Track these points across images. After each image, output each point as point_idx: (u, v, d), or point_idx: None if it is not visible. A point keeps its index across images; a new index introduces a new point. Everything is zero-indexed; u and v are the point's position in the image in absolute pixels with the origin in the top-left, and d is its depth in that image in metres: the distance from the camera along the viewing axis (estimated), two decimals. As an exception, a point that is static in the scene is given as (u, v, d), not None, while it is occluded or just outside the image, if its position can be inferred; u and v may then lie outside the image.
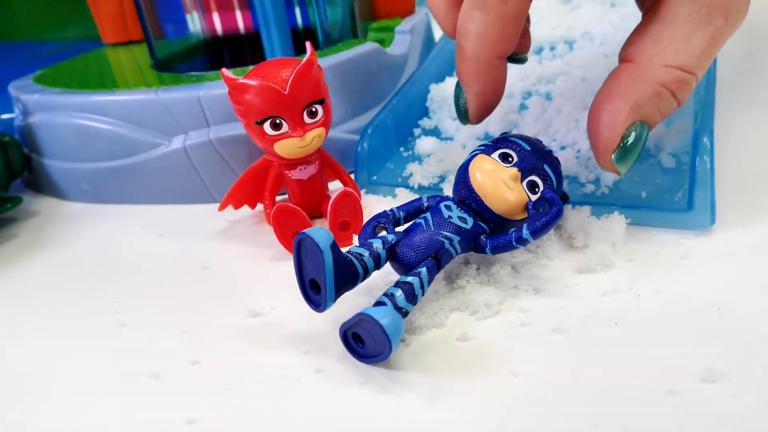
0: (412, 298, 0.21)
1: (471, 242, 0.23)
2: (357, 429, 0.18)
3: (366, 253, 0.22)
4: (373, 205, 0.31)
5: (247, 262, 0.28)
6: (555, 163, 0.25)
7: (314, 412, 0.19)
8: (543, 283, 0.24)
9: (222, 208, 0.31)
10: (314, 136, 0.28)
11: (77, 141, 0.37)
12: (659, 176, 0.28)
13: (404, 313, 0.21)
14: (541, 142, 0.25)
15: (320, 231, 0.21)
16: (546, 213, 0.22)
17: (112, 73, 0.43)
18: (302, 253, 0.21)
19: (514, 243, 0.23)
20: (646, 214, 0.26)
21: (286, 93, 0.27)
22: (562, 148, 0.31)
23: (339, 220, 0.28)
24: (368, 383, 0.20)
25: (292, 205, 0.28)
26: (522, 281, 0.24)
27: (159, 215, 0.35)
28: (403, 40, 0.42)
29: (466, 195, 0.24)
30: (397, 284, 0.22)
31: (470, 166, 0.24)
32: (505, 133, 0.27)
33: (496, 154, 0.24)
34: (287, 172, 0.30)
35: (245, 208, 0.32)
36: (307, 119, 0.28)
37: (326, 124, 0.28)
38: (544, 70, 0.38)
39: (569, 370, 0.19)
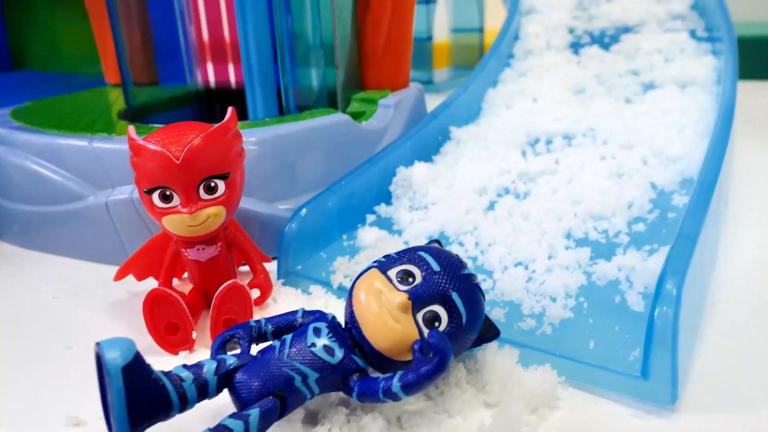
0: (228, 449, 0.16)
1: (338, 381, 0.18)
2: None
3: (189, 379, 0.17)
4: (284, 301, 0.27)
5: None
6: (471, 292, 0.19)
7: None
8: (425, 449, 0.18)
9: (118, 278, 0.27)
10: (209, 215, 0.24)
11: (11, 180, 0.34)
12: (619, 322, 0.22)
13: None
14: (459, 260, 0.20)
15: (118, 344, 0.16)
16: (428, 362, 0.17)
17: (82, 116, 0.41)
18: (101, 372, 0.17)
19: (380, 395, 0.17)
20: (589, 372, 0.20)
21: (178, 162, 0.23)
22: (516, 264, 0.26)
23: (224, 317, 0.24)
24: None
25: (168, 291, 0.23)
26: (399, 441, 0.18)
27: (73, 272, 0.31)
28: (385, 114, 0.38)
29: (348, 319, 0.19)
30: (216, 428, 0.17)
31: (357, 282, 0.19)
32: (435, 241, 0.22)
33: (394, 271, 0.19)
34: (183, 250, 0.25)
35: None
36: (203, 194, 0.24)
37: (229, 202, 0.24)
38: (529, 166, 0.33)
39: None
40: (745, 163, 0.41)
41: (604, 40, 0.50)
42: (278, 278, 0.28)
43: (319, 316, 0.20)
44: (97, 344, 0.16)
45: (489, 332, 0.21)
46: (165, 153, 0.23)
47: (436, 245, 0.22)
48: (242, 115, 0.40)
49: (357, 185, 0.31)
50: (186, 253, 0.25)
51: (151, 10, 0.47)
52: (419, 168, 0.33)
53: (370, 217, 0.32)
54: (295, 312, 0.20)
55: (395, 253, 0.20)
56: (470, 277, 0.20)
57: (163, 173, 0.23)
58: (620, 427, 0.19)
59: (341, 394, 0.19)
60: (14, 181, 0.34)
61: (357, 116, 0.38)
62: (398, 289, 0.19)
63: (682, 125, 0.35)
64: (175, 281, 0.27)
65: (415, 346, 0.18)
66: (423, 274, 0.19)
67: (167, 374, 0.17)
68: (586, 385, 0.20)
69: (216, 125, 0.24)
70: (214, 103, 0.48)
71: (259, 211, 0.31)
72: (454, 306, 0.19)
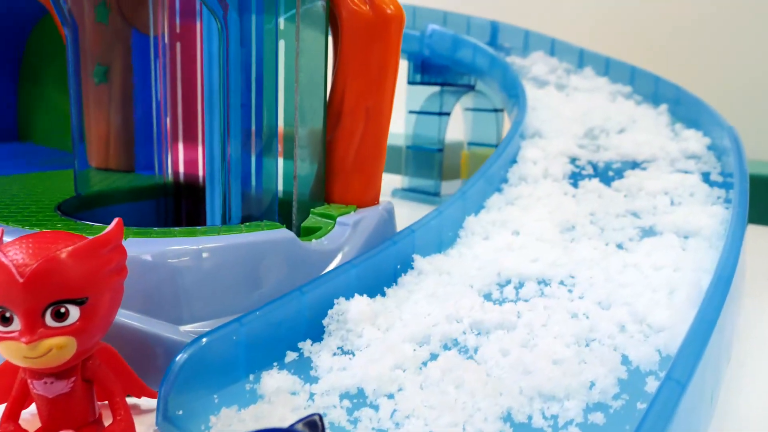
0: None
1: None
2: None
3: None
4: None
5: None
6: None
7: None
8: None
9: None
10: (51, 347, 0.19)
11: None
12: None
13: None
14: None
15: None
16: None
17: (24, 199, 0.38)
18: None
19: None
20: None
21: (21, 281, 0.19)
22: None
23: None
24: None
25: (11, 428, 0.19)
26: None
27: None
28: (340, 233, 0.34)
29: None
30: None
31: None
32: (317, 415, 0.17)
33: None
34: (30, 381, 0.21)
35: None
36: (49, 321, 0.19)
37: (83, 332, 0.20)
38: (485, 315, 0.28)
39: None
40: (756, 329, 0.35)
41: (608, 173, 0.46)
42: (156, 422, 0.23)
43: None
44: None
45: None
46: (8, 268, 0.19)
47: (315, 419, 0.17)
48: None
49: (280, 315, 0.27)
50: (32, 386, 0.21)
51: (135, 98, 0.46)
52: (358, 303, 0.29)
53: (291, 355, 0.27)
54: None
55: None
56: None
57: (4, 291, 0.19)
58: None
59: None
60: None
61: (311, 232, 0.34)
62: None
63: (674, 287, 0.30)
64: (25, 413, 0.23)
65: None
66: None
67: None
68: None
69: (90, 238, 0.20)
70: (181, 198, 0.45)
71: (164, 336, 0.27)
72: None
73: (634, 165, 0.47)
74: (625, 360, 0.25)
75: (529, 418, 0.22)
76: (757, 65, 0.86)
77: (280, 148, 0.35)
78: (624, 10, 1.10)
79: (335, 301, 0.29)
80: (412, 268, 0.34)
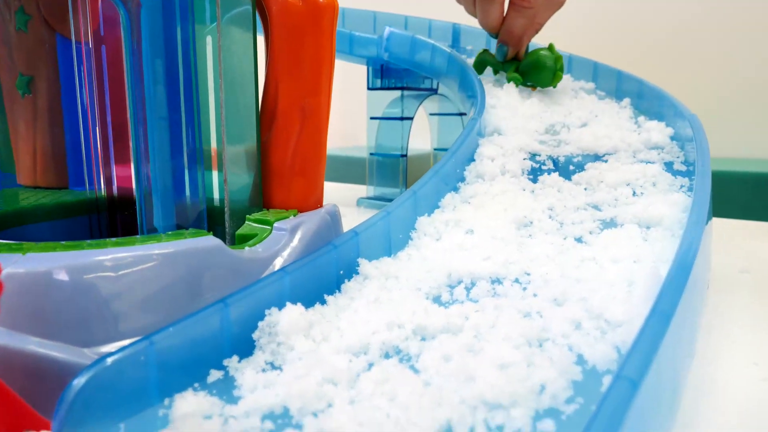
0: None
1: None
2: None
3: None
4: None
5: None
6: None
7: None
8: None
9: None
10: None
11: None
12: None
13: None
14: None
15: None
16: None
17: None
18: None
19: None
20: None
21: None
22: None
23: None
24: None
25: None
26: None
27: None
28: (277, 239, 0.31)
29: None
30: None
31: None
32: None
33: None
34: None
35: None
36: None
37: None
38: (429, 320, 0.26)
39: None
40: (725, 322, 0.33)
41: (569, 167, 0.44)
42: (51, 458, 0.20)
43: None
44: None
45: None
46: None
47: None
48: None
49: (201, 330, 0.24)
50: None
51: (63, 110, 0.43)
52: (291, 312, 0.26)
53: (215, 374, 0.24)
54: None
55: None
56: None
57: None
58: None
59: None
60: None
61: (246, 239, 0.32)
62: None
63: (633, 279, 0.27)
64: None
65: None
66: None
67: None
68: None
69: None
70: (116, 213, 0.42)
71: (66, 360, 0.24)
72: None
73: (596, 158, 0.45)
74: (580, 360, 0.23)
75: (471, 429, 0.19)
76: (719, 64, 0.85)
77: (213, 153, 0.33)
78: (587, 7, 1.09)
79: (266, 311, 0.27)
80: (357, 273, 0.32)
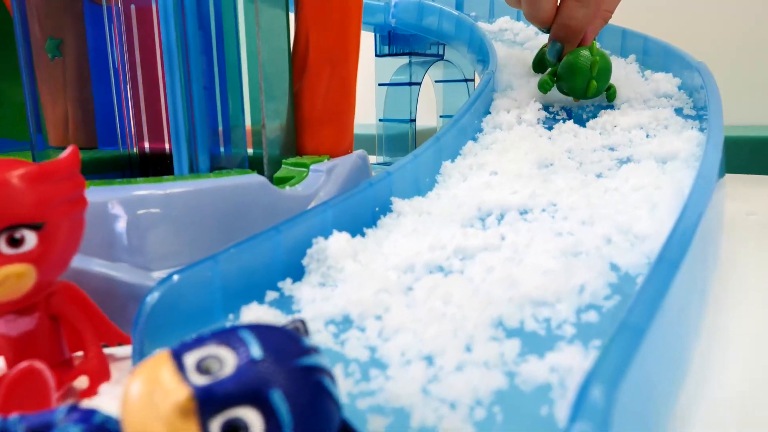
0: None
1: None
2: None
3: None
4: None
5: None
6: (308, 392, 0.13)
7: None
8: None
9: None
10: (7, 276, 0.18)
11: None
12: (538, 443, 0.16)
13: None
14: (301, 346, 0.14)
15: None
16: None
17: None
18: None
19: None
20: None
21: (-31, 204, 0.18)
22: (420, 358, 0.19)
23: (13, 411, 0.18)
24: None
25: (38, 367, 0.18)
26: None
27: None
28: (314, 179, 0.33)
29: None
30: None
31: (135, 369, 0.13)
32: (299, 321, 0.16)
33: (194, 356, 0.13)
34: (-10, 322, 0.20)
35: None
36: (4, 248, 0.18)
37: (43, 261, 0.19)
38: (468, 241, 0.27)
39: None
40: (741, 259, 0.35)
41: (582, 116, 0.46)
42: (133, 363, 0.22)
43: (82, 416, 0.14)
44: None
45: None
46: (-44, 192, 0.18)
47: (297, 325, 0.16)
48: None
49: (257, 254, 0.26)
50: (-7, 326, 0.20)
51: (92, 72, 0.44)
52: (338, 239, 0.28)
53: (271, 294, 0.26)
54: (54, 411, 0.14)
55: (211, 332, 0.14)
56: (311, 372, 0.14)
57: (-47, 217, 0.18)
58: None
59: None
60: None
61: (284, 181, 0.33)
62: (187, 383, 0.13)
63: (655, 202, 0.29)
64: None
65: (194, 473, 0.12)
66: (236, 360, 0.13)
67: None
68: None
69: (42, 162, 0.19)
70: (148, 169, 0.44)
71: (130, 282, 0.25)
72: (273, 412, 0.13)
73: (608, 107, 0.46)
74: (613, 267, 0.25)
75: (521, 322, 0.21)
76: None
77: (246, 104, 0.34)
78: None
79: (313, 240, 0.28)
80: (391, 210, 0.33)
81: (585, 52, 0.43)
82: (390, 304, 0.23)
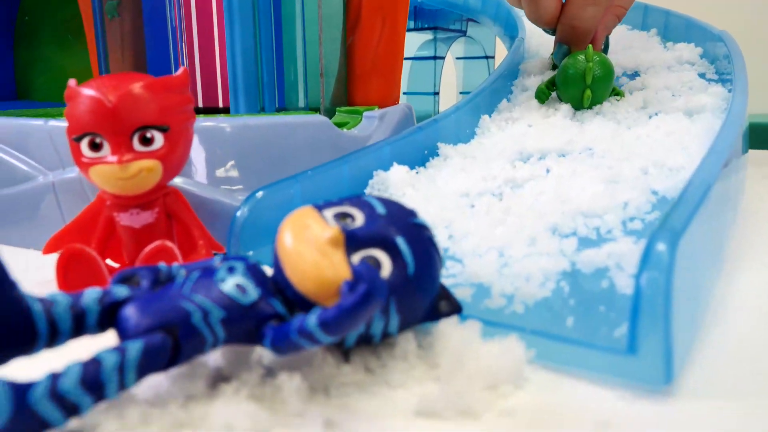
0: (92, 384, 0.13)
1: (251, 328, 0.15)
2: None
3: (64, 303, 0.14)
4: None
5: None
6: (421, 242, 0.16)
7: None
8: (349, 420, 0.14)
9: (47, 251, 0.24)
10: (141, 169, 0.21)
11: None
12: (605, 303, 0.18)
13: (70, 407, 0.13)
14: (411, 210, 0.17)
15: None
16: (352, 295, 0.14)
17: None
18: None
19: (294, 337, 0.14)
20: (566, 350, 0.16)
21: (110, 106, 0.20)
22: (491, 250, 0.22)
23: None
24: None
25: (87, 249, 0.20)
26: (316, 408, 0.15)
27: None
28: (369, 124, 0.36)
29: (274, 262, 0.16)
30: (86, 363, 0.13)
31: (285, 219, 0.16)
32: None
33: (331, 212, 0.16)
34: (115, 214, 0.23)
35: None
36: (137, 146, 0.21)
37: (167, 157, 0.22)
38: (516, 173, 0.30)
39: None
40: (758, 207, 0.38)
41: (609, 81, 0.48)
42: (227, 266, 0.25)
43: (237, 257, 0.16)
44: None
45: (447, 306, 0.17)
46: (97, 97, 0.21)
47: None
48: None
49: (326, 180, 0.29)
50: (118, 218, 0.23)
51: (145, 31, 0.47)
52: (397, 171, 0.31)
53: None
54: (212, 258, 0.17)
55: (338, 199, 0.17)
56: (422, 228, 0.17)
57: (94, 118, 0.21)
58: (601, 411, 0.15)
59: (258, 353, 0.16)
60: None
61: (340, 126, 0.36)
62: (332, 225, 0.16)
63: (686, 143, 0.32)
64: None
65: (345, 288, 0.14)
66: (364, 217, 0.16)
67: (41, 298, 0.14)
68: (561, 366, 0.16)
69: (160, 77, 0.22)
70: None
71: (219, 200, 0.28)
72: (399, 253, 0.16)
73: (634, 74, 0.49)
74: (653, 192, 0.27)
75: (575, 230, 0.24)
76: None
77: (299, 56, 0.37)
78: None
79: (374, 172, 0.31)
80: (438, 155, 0.36)
81: (580, 57, 0.37)
82: (454, 218, 0.26)
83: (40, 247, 0.29)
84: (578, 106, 0.39)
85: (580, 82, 0.37)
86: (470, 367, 0.16)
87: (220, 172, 0.29)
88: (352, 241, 0.15)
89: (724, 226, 0.27)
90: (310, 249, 0.15)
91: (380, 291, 0.14)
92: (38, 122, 0.30)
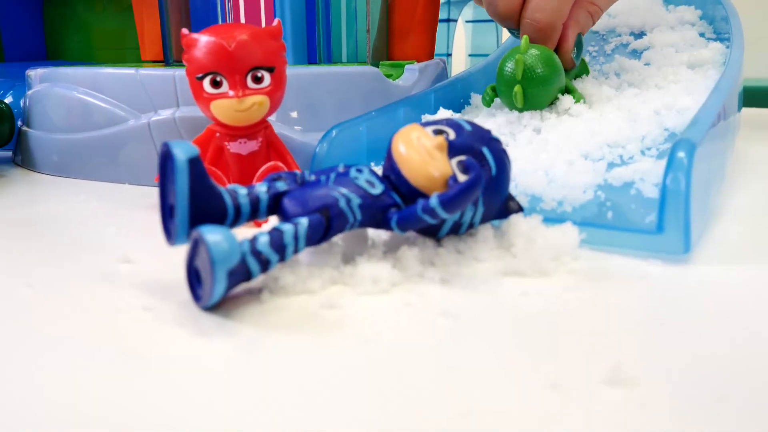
0: (278, 246, 0.18)
1: (378, 214, 0.20)
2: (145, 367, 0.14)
3: (243, 192, 0.19)
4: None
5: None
6: (499, 152, 0.21)
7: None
8: (456, 277, 0.19)
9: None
10: (254, 102, 0.26)
11: (54, 112, 0.36)
12: (635, 202, 0.23)
13: (264, 262, 0.17)
14: (490, 131, 0.22)
15: (182, 144, 0.18)
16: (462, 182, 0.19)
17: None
18: (166, 171, 0.18)
19: (419, 213, 0.19)
20: (608, 234, 0.22)
21: (230, 49, 0.25)
22: (527, 174, 0.27)
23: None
24: (188, 326, 0.16)
25: (214, 169, 0.25)
26: (432, 271, 0.20)
27: (111, 192, 0.33)
28: (411, 75, 0.40)
29: (387, 167, 0.21)
30: (270, 232, 0.18)
31: (395, 135, 0.21)
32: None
33: (429, 129, 0.21)
34: (226, 144, 0.27)
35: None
36: (250, 83, 0.26)
37: (273, 93, 0.26)
38: (545, 115, 0.35)
39: (436, 348, 0.15)
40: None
41: (611, 42, 0.53)
42: (310, 191, 0.30)
43: (361, 165, 0.21)
44: (164, 143, 0.18)
45: (514, 204, 0.22)
46: (219, 41, 0.25)
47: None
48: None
49: (385, 122, 0.33)
50: (228, 147, 0.27)
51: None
52: (443, 113, 0.35)
53: (397, 153, 0.33)
54: (336, 166, 0.22)
55: (432, 121, 0.22)
56: (498, 142, 0.21)
57: (216, 59, 0.25)
58: (636, 271, 0.20)
59: (382, 237, 0.21)
60: (57, 113, 0.36)
61: (387, 77, 0.41)
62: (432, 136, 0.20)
63: (691, 90, 0.37)
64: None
65: (451, 181, 0.19)
66: (455, 133, 0.21)
67: (225, 189, 0.19)
68: (605, 247, 0.22)
69: (263, 27, 0.26)
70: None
71: (294, 137, 0.33)
72: (485, 159, 0.20)
73: (640, 34, 0.54)
74: (665, 128, 0.32)
75: (602, 156, 0.29)
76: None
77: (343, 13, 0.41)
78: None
79: (422, 116, 0.36)
80: (470, 104, 0.41)
81: (516, 57, 0.32)
82: (500, 149, 0.31)
83: (135, 182, 0.34)
84: (512, 107, 0.34)
85: (512, 79, 0.32)
86: (539, 244, 0.21)
87: (293, 114, 0.33)
88: (451, 149, 0.20)
89: (725, 153, 0.32)
90: (422, 153, 0.20)
91: (482, 178, 0.19)
92: (130, 71, 0.34)
